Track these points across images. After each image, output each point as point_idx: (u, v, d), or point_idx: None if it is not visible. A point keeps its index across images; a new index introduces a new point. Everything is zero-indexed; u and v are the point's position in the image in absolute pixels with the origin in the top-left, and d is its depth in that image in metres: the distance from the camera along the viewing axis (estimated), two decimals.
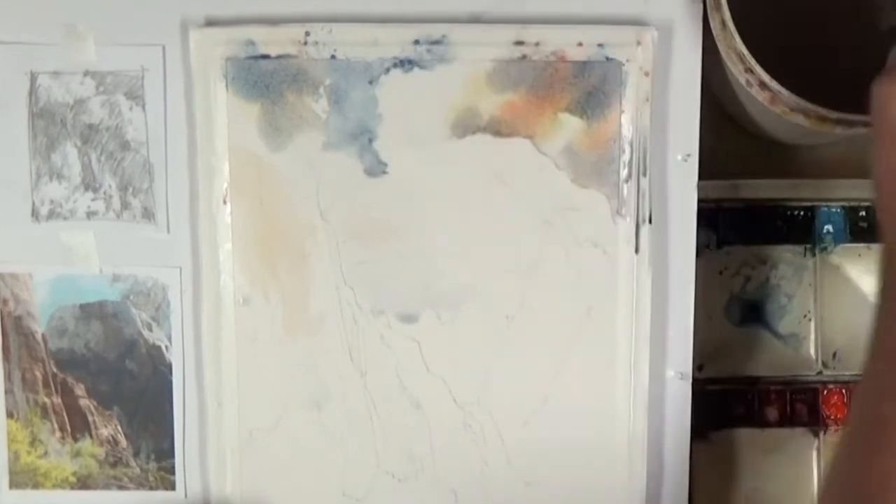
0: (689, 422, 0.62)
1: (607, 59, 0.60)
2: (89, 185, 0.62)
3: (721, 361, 0.66)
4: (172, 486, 0.63)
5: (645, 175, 0.61)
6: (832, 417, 0.66)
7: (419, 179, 0.60)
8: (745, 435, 0.66)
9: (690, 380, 0.62)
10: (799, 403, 0.66)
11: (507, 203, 0.61)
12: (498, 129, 0.61)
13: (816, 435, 0.66)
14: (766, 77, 0.54)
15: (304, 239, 0.61)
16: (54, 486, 0.63)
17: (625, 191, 0.61)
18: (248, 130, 0.61)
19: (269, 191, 0.61)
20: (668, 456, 0.62)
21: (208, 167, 0.61)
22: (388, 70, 0.60)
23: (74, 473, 0.63)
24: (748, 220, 0.66)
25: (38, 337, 0.62)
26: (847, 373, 0.66)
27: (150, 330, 0.62)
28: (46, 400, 0.62)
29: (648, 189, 0.61)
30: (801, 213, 0.66)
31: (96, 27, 0.61)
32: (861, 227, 0.66)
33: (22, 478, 0.63)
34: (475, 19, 0.61)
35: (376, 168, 0.61)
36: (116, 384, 0.63)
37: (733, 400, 0.66)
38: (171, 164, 0.62)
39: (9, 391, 0.62)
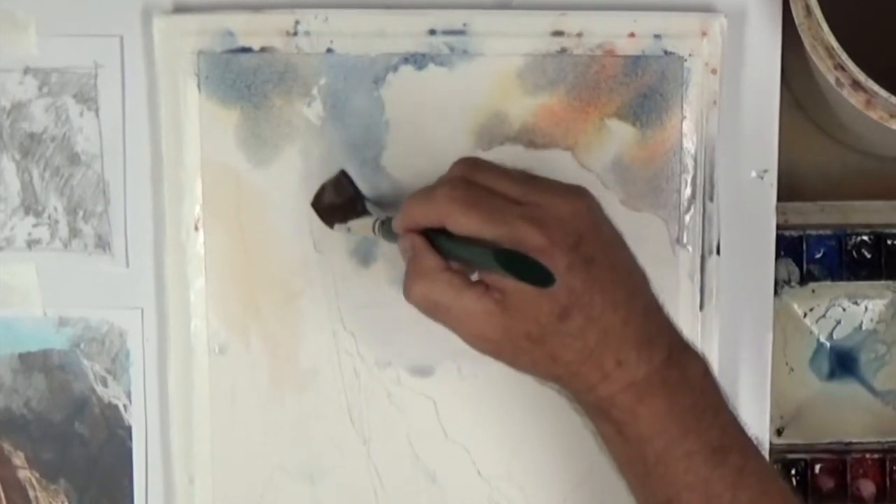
0: None
1: (665, 52, 0.59)
2: (30, 207, 0.61)
3: (805, 424, 0.64)
4: None
5: (712, 196, 0.60)
6: None
7: None
8: None
9: (767, 446, 0.61)
10: None
11: None
12: (532, 138, 0.60)
13: None
14: (860, 75, 0.52)
15: (294, 274, 0.60)
16: None
17: (687, 215, 0.60)
18: (225, 141, 0.59)
19: (250, 215, 0.60)
20: None
21: (176, 186, 0.59)
22: (396, 67, 0.59)
23: None
24: (838, 251, 0.63)
25: None
26: None
27: (105, 385, 0.61)
28: None
29: (716, 213, 0.60)
30: None
31: (38, 14, 0.59)
32: None
33: None
34: (504, 4, 0.60)
35: (383, 187, 0.60)
36: (63, 452, 0.62)
37: (820, 471, 0.64)
38: (131, 182, 0.60)
39: None
